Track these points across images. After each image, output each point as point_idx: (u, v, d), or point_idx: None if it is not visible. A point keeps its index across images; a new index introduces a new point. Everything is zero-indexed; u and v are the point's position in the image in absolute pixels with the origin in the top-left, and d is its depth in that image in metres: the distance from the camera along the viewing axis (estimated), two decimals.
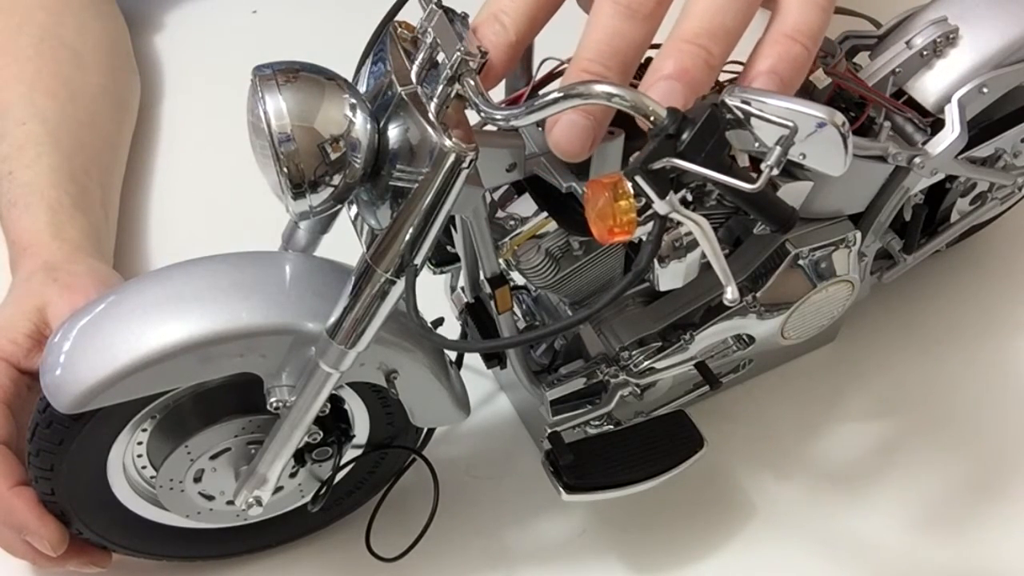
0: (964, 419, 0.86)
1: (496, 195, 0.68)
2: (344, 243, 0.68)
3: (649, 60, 0.65)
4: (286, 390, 0.63)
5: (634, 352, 0.73)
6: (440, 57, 0.56)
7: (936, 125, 0.75)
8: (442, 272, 0.76)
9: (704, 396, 0.83)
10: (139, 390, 0.61)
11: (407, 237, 0.56)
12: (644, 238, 0.53)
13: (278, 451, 0.65)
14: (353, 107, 0.56)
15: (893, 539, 0.79)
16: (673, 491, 0.78)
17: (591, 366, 0.74)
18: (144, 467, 0.70)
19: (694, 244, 0.65)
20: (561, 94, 0.52)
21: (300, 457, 0.69)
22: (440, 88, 0.54)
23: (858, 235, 0.75)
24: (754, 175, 0.51)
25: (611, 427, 0.78)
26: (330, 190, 0.56)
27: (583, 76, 0.53)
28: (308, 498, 0.73)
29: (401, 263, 0.57)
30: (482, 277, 0.66)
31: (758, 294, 0.73)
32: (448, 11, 0.56)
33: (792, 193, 0.69)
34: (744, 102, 0.53)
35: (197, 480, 0.69)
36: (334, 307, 0.60)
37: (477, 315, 0.73)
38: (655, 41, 0.56)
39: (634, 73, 0.65)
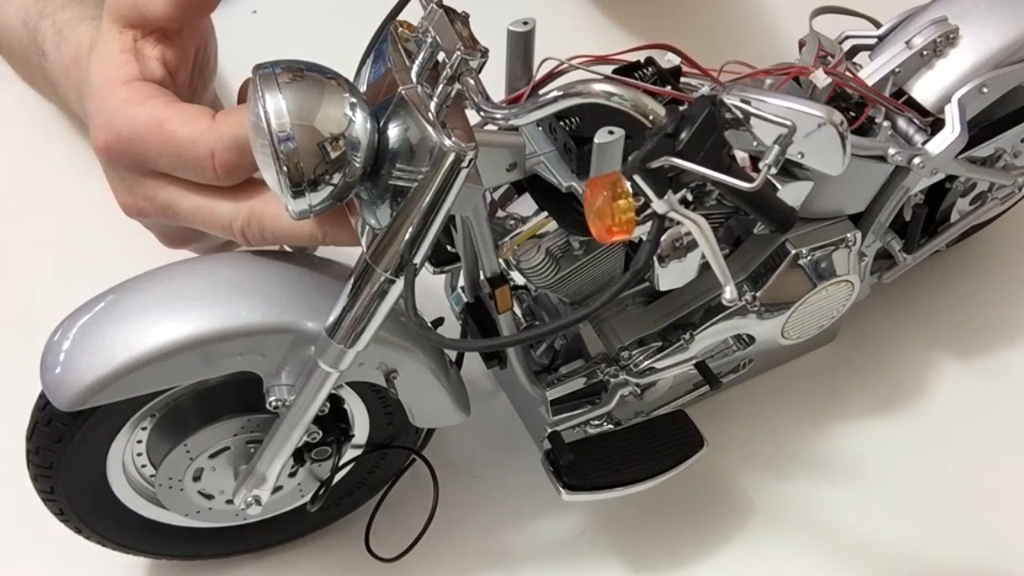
0: (963, 419, 0.85)
1: (496, 194, 0.68)
2: None
3: (649, 60, 0.66)
4: (285, 389, 0.63)
5: (634, 352, 0.73)
6: (440, 56, 0.56)
7: (936, 125, 0.75)
8: (442, 272, 0.76)
9: (704, 396, 0.83)
10: (138, 388, 0.61)
11: (407, 236, 0.56)
12: (643, 238, 0.53)
13: (277, 450, 0.65)
14: (353, 106, 0.56)
15: (893, 538, 0.79)
16: (673, 491, 0.78)
17: (591, 366, 0.74)
18: (144, 465, 0.70)
19: (694, 244, 0.65)
20: (561, 93, 0.52)
21: (299, 456, 0.69)
22: (440, 87, 0.54)
23: (858, 235, 0.75)
24: (753, 174, 0.51)
25: (611, 427, 0.78)
26: (329, 189, 0.56)
27: None
28: (307, 498, 0.73)
29: (400, 262, 0.57)
30: (482, 277, 0.66)
31: (758, 294, 0.73)
32: (448, 11, 0.56)
33: (792, 193, 0.69)
34: (743, 101, 0.53)
35: (196, 479, 0.69)
36: (333, 306, 0.60)
37: (477, 315, 0.73)
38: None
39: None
